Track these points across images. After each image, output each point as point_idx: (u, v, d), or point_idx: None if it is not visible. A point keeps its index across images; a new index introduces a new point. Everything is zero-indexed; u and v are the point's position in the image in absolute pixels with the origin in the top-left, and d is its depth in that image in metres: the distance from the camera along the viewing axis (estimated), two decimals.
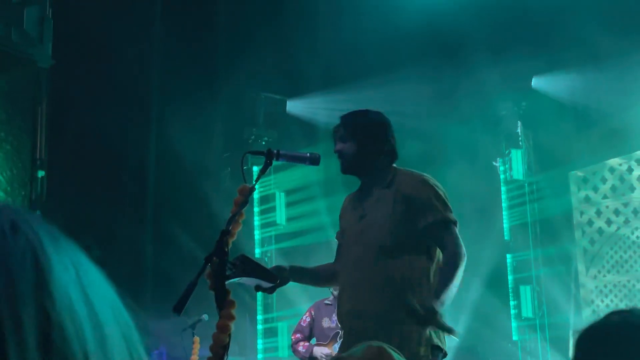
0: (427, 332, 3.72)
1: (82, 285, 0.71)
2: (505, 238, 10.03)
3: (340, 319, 4.04)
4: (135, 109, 10.64)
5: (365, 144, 3.96)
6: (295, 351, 7.14)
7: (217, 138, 10.91)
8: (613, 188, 9.36)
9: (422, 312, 3.55)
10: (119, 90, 10.02)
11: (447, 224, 3.87)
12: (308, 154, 3.49)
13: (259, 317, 10.65)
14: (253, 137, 10.77)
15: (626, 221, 9.27)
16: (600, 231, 9.39)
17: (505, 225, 10.02)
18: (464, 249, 3.85)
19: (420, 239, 3.87)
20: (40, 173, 8.58)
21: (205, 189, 10.49)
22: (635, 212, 9.25)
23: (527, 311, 9.49)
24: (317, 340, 7.07)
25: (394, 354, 2.13)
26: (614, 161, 9.36)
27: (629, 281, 9.20)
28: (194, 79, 10.45)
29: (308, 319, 7.15)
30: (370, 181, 4.02)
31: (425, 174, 4.03)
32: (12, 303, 0.66)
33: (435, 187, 3.94)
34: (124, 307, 0.76)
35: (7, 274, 0.67)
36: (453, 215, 3.93)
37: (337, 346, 6.87)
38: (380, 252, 3.85)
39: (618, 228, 9.30)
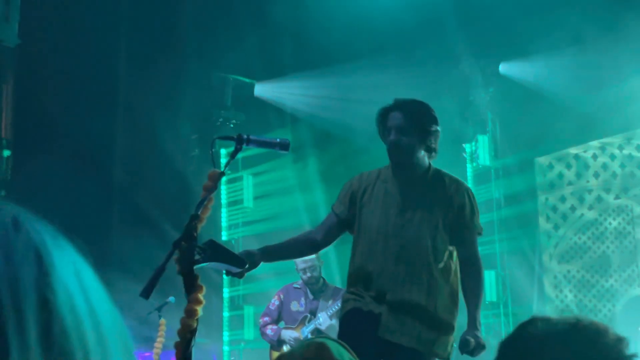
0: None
1: (81, 281, 0.73)
2: None
3: (372, 299, 4.01)
4: (102, 89, 10.55)
5: (425, 140, 4.01)
6: (263, 334, 7.16)
7: (185, 120, 10.86)
8: (577, 174, 9.47)
9: (473, 344, 3.88)
10: (86, 70, 9.94)
11: (478, 235, 4.07)
12: (278, 140, 3.50)
13: (225, 295, 10.65)
14: (221, 119, 10.73)
15: (590, 207, 9.39)
16: (564, 217, 9.50)
17: None
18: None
19: (459, 247, 4.03)
20: (6, 153, 8.50)
21: (173, 170, 10.45)
22: (598, 198, 9.37)
23: (492, 295, 9.58)
24: (286, 324, 7.10)
25: (334, 349, 2.13)
26: (578, 148, 9.46)
27: (591, 266, 9.33)
28: (162, 60, 10.39)
29: (277, 303, 7.17)
30: (412, 174, 4.05)
31: (464, 182, 4.15)
32: (15, 295, 0.67)
33: (474, 199, 4.10)
34: (115, 308, 0.77)
35: (10, 267, 0.68)
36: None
37: (305, 329, 6.90)
38: (430, 254, 3.94)
39: (582, 214, 9.41)
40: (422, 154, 4.04)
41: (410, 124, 3.98)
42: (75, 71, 9.78)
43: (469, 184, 10.09)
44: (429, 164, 4.10)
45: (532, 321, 1.73)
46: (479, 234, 4.06)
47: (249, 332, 10.33)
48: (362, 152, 8.62)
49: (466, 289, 4.01)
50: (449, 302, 3.99)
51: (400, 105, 4.06)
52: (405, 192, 4.04)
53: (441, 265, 3.97)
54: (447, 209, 4.00)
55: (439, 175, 4.09)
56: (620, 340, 1.64)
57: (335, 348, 2.14)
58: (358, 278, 4.06)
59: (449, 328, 3.98)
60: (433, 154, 4.09)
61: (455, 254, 4.05)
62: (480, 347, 3.91)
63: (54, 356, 0.67)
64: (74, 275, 0.72)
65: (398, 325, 3.91)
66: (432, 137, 4.03)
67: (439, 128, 4.07)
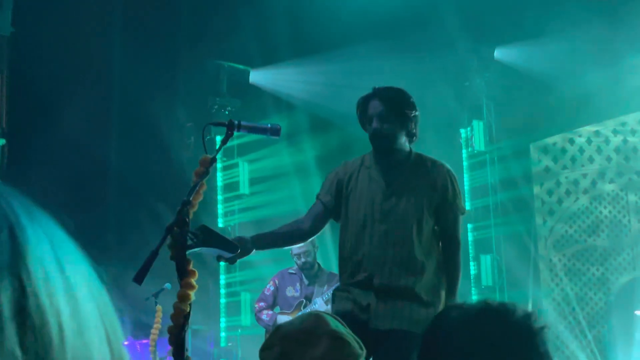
0: None
1: (57, 257, 0.71)
2: (466, 208, 10.11)
3: (362, 286, 4.09)
4: (97, 76, 10.55)
5: (406, 126, 4.11)
6: (258, 319, 7.17)
7: (180, 107, 10.85)
8: (572, 159, 9.49)
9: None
10: (80, 58, 9.93)
11: (461, 215, 4.19)
12: (269, 125, 3.50)
13: (222, 281, 10.68)
14: (216, 106, 10.72)
15: (585, 191, 9.42)
16: (559, 201, 9.53)
17: (467, 196, 10.12)
18: None
19: (442, 227, 4.15)
20: (1, 141, 8.50)
21: (168, 157, 10.45)
22: (593, 183, 9.39)
23: (488, 280, 9.62)
24: (281, 309, 7.11)
25: (331, 321, 2.25)
26: (573, 133, 9.48)
27: (586, 250, 9.36)
28: (157, 47, 10.38)
29: (272, 288, 7.19)
30: (395, 160, 4.15)
31: (445, 164, 4.25)
32: None
33: (456, 180, 4.23)
34: (98, 278, 0.76)
35: None
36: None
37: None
38: (415, 236, 4.05)
39: (577, 199, 9.44)
40: (404, 139, 4.14)
41: (390, 111, 4.06)
42: (70, 59, 9.77)
43: (464, 169, 10.13)
44: (410, 148, 4.21)
45: (447, 310, 1.84)
46: (462, 214, 4.18)
47: (246, 319, 10.36)
48: (358, 138, 8.63)
49: (447, 268, 4.14)
50: (436, 281, 4.10)
51: (380, 93, 4.12)
52: (389, 177, 4.14)
53: (427, 246, 4.09)
54: (430, 192, 4.10)
55: (420, 159, 4.20)
56: (528, 316, 1.71)
57: (332, 320, 2.27)
58: (347, 265, 4.15)
59: (437, 305, 4.07)
60: (414, 138, 4.19)
61: (438, 233, 4.18)
62: None
63: (29, 335, 0.67)
64: (50, 252, 0.71)
65: (388, 310, 4.01)
66: (412, 123, 4.13)
67: (417, 113, 4.17)
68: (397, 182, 4.12)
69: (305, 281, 7.07)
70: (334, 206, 4.23)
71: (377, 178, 4.14)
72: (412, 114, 4.11)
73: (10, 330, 0.66)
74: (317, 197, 4.30)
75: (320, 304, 6.92)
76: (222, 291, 10.68)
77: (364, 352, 2.25)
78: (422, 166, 4.15)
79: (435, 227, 4.14)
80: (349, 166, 4.27)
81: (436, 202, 4.09)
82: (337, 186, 4.23)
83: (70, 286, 0.71)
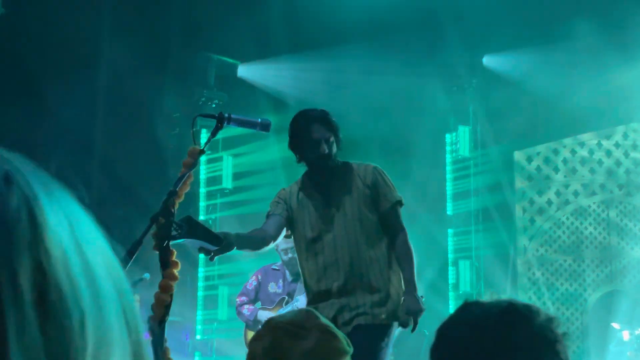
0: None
1: (76, 238, 0.70)
2: (448, 213, 10.16)
3: (325, 296, 4.33)
4: (85, 61, 10.49)
5: (339, 143, 4.37)
6: (239, 314, 7.15)
7: (167, 97, 10.81)
8: (556, 169, 9.54)
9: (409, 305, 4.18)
10: (70, 41, 9.87)
11: (399, 206, 4.39)
12: (259, 120, 3.50)
13: (200, 274, 10.65)
14: (203, 98, 10.70)
15: (567, 202, 9.47)
16: (540, 211, 9.57)
17: (449, 201, 10.15)
18: None
19: (383, 220, 4.37)
20: None
21: (154, 146, 10.42)
22: (575, 193, 9.44)
23: (466, 285, 9.65)
24: (263, 305, 7.10)
25: (321, 316, 2.32)
26: (558, 143, 9.53)
27: (565, 260, 9.41)
28: (147, 35, 10.33)
29: (254, 283, 7.17)
30: (331, 174, 4.39)
31: (370, 163, 4.51)
32: (8, 260, 0.64)
33: (385, 174, 4.45)
34: (114, 255, 0.74)
35: (2, 230, 0.65)
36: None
37: (282, 311, 6.91)
38: (360, 235, 4.31)
39: (558, 209, 9.49)
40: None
41: (332, 133, 4.31)
42: (59, 42, 9.72)
43: (448, 173, 10.17)
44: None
45: (466, 306, 1.76)
46: (399, 202, 4.38)
47: (223, 312, 10.34)
48: (346, 137, 8.65)
49: (398, 257, 4.33)
50: (386, 270, 4.30)
51: (320, 116, 4.36)
52: (326, 190, 4.40)
53: (374, 241, 4.33)
54: (363, 190, 4.36)
55: (346, 165, 4.45)
56: (550, 320, 1.69)
57: (321, 317, 2.32)
58: (308, 281, 4.42)
59: (394, 293, 4.28)
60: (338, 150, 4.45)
61: (382, 226, 4.39)
62: (419, 309, 4.18)
63: (50, 321, 0.66)
64: (69, 233, 0.69)
65: (351, 312, 4.24)
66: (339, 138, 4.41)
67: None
68: (333, 192, 4.39)
69: (289, 278, 7.05)
70: (287, 217, 4.44)
71: (314, 193, 4.42)
72: (339, 131, 4.39)
73: (31, 315, 0.64)
74: (269, 213, 4.48)
75: (303, 301, 6.90)
76: (200, 284, 10.65)
77: (351, 350, 2.27)
78: (350, 170, 4.42)
79: (377, 221, 4.37)
80: (287, 191, 4.52)
81: (371, 197, 4.35)
82: (285, 204, 4.45)
83: (89, 268, 0.69)
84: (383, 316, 4.22)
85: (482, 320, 1.70)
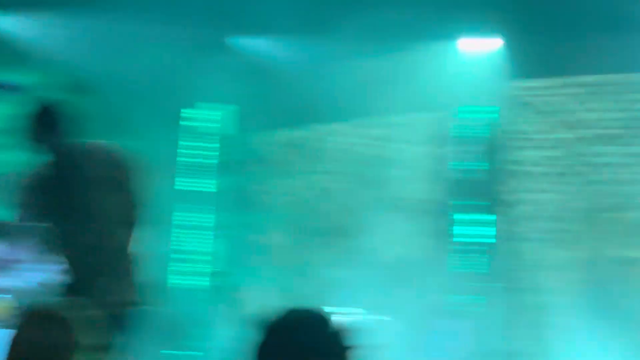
0: None
1: None
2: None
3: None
4: None
5: None
6: None
7: None
8: (301, 156, 9.59)
9: None
10: None
11: (139, 205, 4.40)
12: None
13: None
14: None
15: (310, 188, 9.58)
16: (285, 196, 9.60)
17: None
18: None
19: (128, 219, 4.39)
20: None
21: None
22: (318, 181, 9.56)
23: None
24: None
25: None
26: (302, 131, 9.59)
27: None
28: None
29: None
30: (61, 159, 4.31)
31: (114, 147, 4.48)
32: None
33: (128, 164, 4.40)
34: None
35: None
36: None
37: None
38: (115, 234, 4.31)
39: (305, 196, 9.57)
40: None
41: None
42: None
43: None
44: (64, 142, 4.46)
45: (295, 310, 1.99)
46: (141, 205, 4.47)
47: None
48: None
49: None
50: (114, 259, 4.31)
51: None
52: (66, 179, 4.37)
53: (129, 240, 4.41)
54: (119, 188, 4.41)
55: (90, 147, 4.49)
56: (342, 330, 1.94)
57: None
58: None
59: (125, 278, 4.31)
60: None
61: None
62: None
63: None
64: None
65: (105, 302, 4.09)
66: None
67: None
68: (74, 183, 4.41)
69: None
70: None
71: (57, 184, 4.40)
72: None
73: None
74: None
75: None
76: None
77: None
78: (86, 157, 4.43)
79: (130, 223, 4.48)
80: (33, 178, 4.47)
81: (116, 196, 4.41)
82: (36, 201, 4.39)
83: None
84: (125, 301, 4.29)
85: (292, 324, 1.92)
